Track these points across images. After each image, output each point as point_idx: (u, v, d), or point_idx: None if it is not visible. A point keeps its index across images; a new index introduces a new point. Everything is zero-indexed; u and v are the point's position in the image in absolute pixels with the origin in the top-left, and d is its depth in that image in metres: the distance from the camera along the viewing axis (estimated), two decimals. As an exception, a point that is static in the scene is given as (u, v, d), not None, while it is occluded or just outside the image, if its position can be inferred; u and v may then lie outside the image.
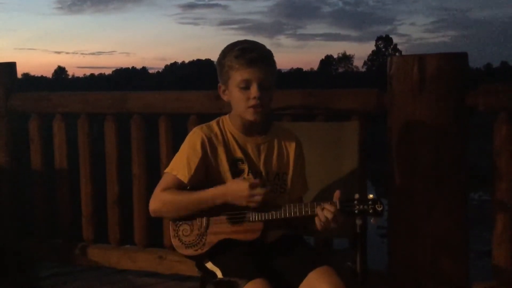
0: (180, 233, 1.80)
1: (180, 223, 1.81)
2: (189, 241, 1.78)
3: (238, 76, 1.73)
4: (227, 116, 1.87)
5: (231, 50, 1.76)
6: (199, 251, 1.77)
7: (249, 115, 1.76)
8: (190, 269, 1.89)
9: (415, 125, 2.21)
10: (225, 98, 1.83)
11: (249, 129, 1.82)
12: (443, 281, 2.22)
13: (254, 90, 1.72)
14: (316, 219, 1.68)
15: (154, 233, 2.83)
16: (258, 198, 1.69)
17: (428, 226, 2.22)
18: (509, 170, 2.20)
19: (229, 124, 1.84)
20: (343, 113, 2.45)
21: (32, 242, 3.09)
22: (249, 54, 1.72)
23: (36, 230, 3.07)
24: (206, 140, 1.79)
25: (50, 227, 3.08)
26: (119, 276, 2.95)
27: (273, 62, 1.79)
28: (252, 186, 1.69)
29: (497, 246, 2.24)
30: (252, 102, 1.73)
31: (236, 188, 1.71)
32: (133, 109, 2.81)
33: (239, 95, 1.75)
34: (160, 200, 1.79)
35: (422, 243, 2.24)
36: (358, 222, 1.66)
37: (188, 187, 1.79)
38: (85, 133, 2.92)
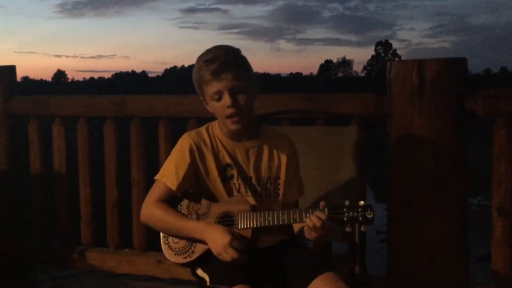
0: (170, 240, 1.81)
1: None
2: (179, 248, 1.79)
3: (209, 89, 1.73)
4: (216, 122, 1.86)
5: (197, 64, 1.76)
6: (188, 259, 1.77)
7: (230, 126, 1.75)
8: (188, 273, 1.88)
9: (414, 129, 2.21)
10: (209, 110, 1.82)
11: (236, 135, 1.82)
12: (443, 285, 2.22)
13: (226, 99, 1.71)
14: (305, 226, 1.67)
15: (153, 237, 2.82)
16: (230, 255, 1.63)
17: (427, 230, 2.22)
18: (508, 175, 2.20)
19: (217, 130, 1.84)
20: (342, 118, 2.45)
21: (30, 246, 3.08)
22: (212, 65, 1.70)
23: (35, 234, 3.07)
24: (194, 146, 1.80)
25: (48, 230, 3.07)
26: (118, 280, 2.95)
27: (240, 64, 1.75)
28: (232, 242, 1.64)
29: (496, 251, 2.24)
30: (228, 111, 1.72)
31: (218, 235, 1.67)
32: (132, 113, 2.82)
33: (216, 107, 1.75)
34: (150, 214, 1.81)
35: (422, 248, 2.24)
36: (348, 229, 1.62)
37: (178, 194, 1.80)
38: (84, 137, 2.92)
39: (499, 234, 2.22)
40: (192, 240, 1.76)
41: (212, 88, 1.72)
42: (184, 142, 1.81)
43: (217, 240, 1.66)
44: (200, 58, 1.76)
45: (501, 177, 2.21)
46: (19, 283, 3.00)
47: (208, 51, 1.76)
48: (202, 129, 1.86)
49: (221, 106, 1.73)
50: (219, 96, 1.72)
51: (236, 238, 1.65)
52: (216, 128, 1.85)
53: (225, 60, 1.71)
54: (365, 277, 1.63)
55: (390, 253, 2.35)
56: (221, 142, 1.82)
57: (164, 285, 2.87)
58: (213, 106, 1.77)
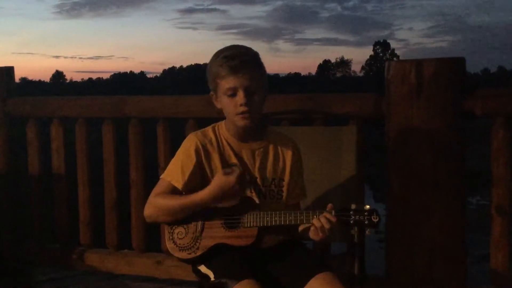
0: (175, 236, 1.81)
1: (175, 226, 1.82)
2: (183, 244, 1.79)
3: (224, 84, 1.74)
4: (222, 122, 1.88)
5: (216, 58, 1.77)
6: (193, 255, 1.77)
7: (239, 122, 1.76)
8: (187, 274, 1.89)
9: (412, 129, 2.21)
10: (217, 105, 1.84)
11: (243, 135, 1.83)
12: (441, 286, 2.22)
13: (240, 97, 1.73)
14: (312, 227, 1.67)
15: (152, 238, 2.82)
16: (232, 178, 1.71)
17: (425, 230, 2.22)
18: (507, 175, 2.20)
19: (224, 130, 1.85)
20: (341, 118, 2.45)
21: (29, 247, 3.08)
22: (232, 61, 1.72)
23: (34, 235, 3.06)
24: (200, 146, 1.80)
25: (47, 231, 3.07)
26: (116, 281, 2.94)
27: (258, 65, 1.78)
28: (224, 172, 1.73)
29: (495, 251, 2.24)
30: (240, 109, 1.73)
31: (219, 182, 1.73)
32: (131, 114, 2.81)
33: (228, 103, 1.76)
34: (153, 205, 1.81)
35: (420, 248, 2.24)
36: (354, 232, 1.65)
37: (183, 193, 1.79)
38: (83, 138, 2.91)
39: (498, 234, 2.22)
40: (202, 207, 1.76)
41: (228, 83, 1.73)
42: (190, 142, 1.82)
43: (216, 183, 1.72)
44: (219, 53, 1.78)
45: (499, 177, 2.21)
46: (17, 285, 3.00)
47: (229, 48, 1.78)
48: (208, 129, 1.87)
49: (233, 102, 1.74)
50: (233, 92, 1.74)
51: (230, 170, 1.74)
52: (222, 128, 1.86)
53: (245, 59, 1.74)
54: (363, 278, 1.64)
55: (389, 253, 2.35)
56: (227, 142, 1.83)
57: (163, 286, 2.86)
58: (223, 102, 1.78)
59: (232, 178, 1.71)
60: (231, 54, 1.74)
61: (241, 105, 1.73)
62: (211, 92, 1.83)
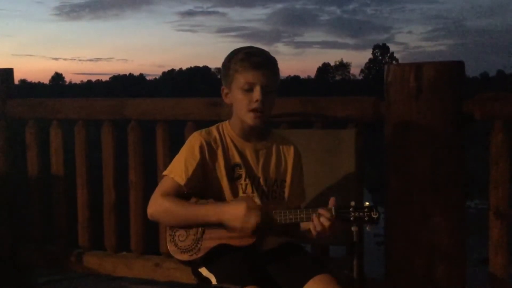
0: (176, 238, 1.81)
1: (177, 228, 1.81)
2: (185, 246, 1.78)
3: (242, 78, 1.75)
4: (227, 121, 1.89)
5: (237, 53, 1.79)
6: (194, 256, 1.77)
7: (249, 119, 1.77)
8: (186, 276, 1.89)
9: (411, 132, 2.22)
10: (227, 101, 1.85)
11: (248, 134, 1.84)
12: (440, 289, 2.22)
13: (257, 93, 1.74)
14: (311, 226, 1.68)
15: (151, 240, 2.82)
16: (253, 220, 1.67)
17: (424, 233, 2.22)
18: (505, 178, 2.20)
19: (228, 129, 1.86)
20: (340, 121, 2.45)
21: (28, 249, 3.07)
22: (254, 57, 1.75)
23: (32, 237, 3.06)
24: (204, 144, 1.81)
25: (46, 233, 3.07)
26: (115, 283, 2.95)
27: (277, 69, 1.82)
28: (249, 207, 1.68)
29: (494, 254, 2.24)
30: (254, 105, 1.75)
31: (233, 207, 1.70)
32: (130, 116, 2.81)
33: (242, 98, 1.76)
34: (159, 206, 1.80)
35: (419, 251, 2.24)
36: (354, 229, 1.67)
37: (185, 191, 1.79)
38: (82, 140, 2.91)
39: (497, 237, 2.23)
40: (207, 225, 1.75)
41: (246, 77, 1.74)
42: (195, 140, 1.83)
43: (235, 212, 1.68)
44: (240, 49, 1.80)
45: (498, 180, 2.21)
46: (16, 287, 2.99)
47: (251, 47, 1.81)
48: (213, 128, 1.88)
49: (248, 98, 1.75)
50: (249, 87, 1.75)
51: (252, 202, 1.70)
52: (227, 126, 1.87)
53: (268, 58, 1.79)
54: (363, 280, 1.64)
55: (388, 255, 2.35)
56: (231, 140, 1.84)
57: (161, 288, 2.87)
58: (236, 97, 1.78)
59: (242, 204, 1.69)
60: (255, 52, 1.77)
61: (256, 101, 1.74)
62: (223, 87, 1.85)
